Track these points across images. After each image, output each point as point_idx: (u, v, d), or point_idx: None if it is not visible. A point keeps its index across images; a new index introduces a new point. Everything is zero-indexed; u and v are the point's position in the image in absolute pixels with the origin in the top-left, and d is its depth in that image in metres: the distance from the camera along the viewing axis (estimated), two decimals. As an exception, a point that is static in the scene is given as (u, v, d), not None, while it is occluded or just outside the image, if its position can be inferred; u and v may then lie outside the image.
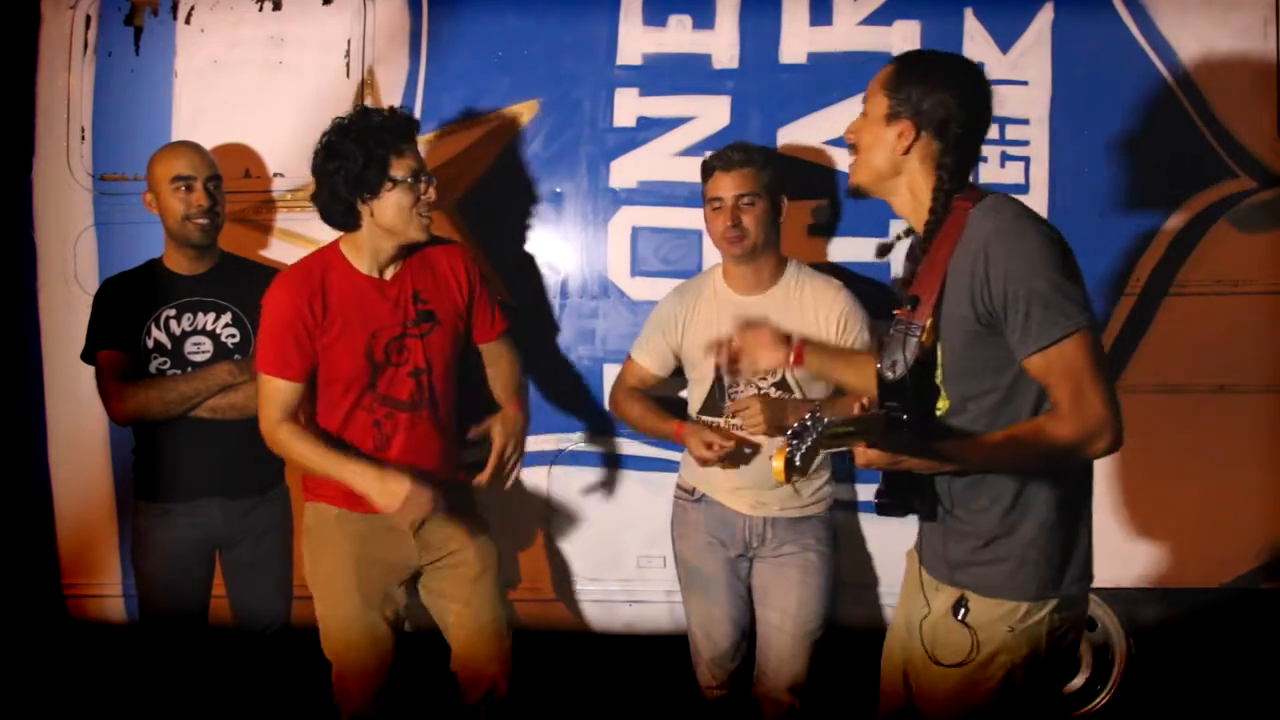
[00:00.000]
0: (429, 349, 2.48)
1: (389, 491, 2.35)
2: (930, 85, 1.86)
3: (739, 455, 2.59)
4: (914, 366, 1.86)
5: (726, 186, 2.56)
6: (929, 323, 1.86)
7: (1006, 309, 1.77)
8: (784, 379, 2.58)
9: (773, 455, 1.61)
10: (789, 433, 1.62)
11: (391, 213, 2.38)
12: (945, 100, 1.85)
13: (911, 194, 1.91)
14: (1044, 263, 1.77)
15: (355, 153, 2.33)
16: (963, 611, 1.91)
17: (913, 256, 1.96)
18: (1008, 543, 1.89)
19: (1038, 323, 1.75)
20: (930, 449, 1.77)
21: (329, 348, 2.41)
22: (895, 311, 1.92)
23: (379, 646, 2.56)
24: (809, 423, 1.65)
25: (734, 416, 2.55)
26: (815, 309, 2.61)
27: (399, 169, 2.36)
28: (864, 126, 1.93)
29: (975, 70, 1.93)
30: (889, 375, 1.87)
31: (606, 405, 2.96)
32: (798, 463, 1.61)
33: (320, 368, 2.43)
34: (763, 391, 2.59)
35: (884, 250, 2.09)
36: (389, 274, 2.47)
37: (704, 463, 2.57)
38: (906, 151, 1.88)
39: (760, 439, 2.56)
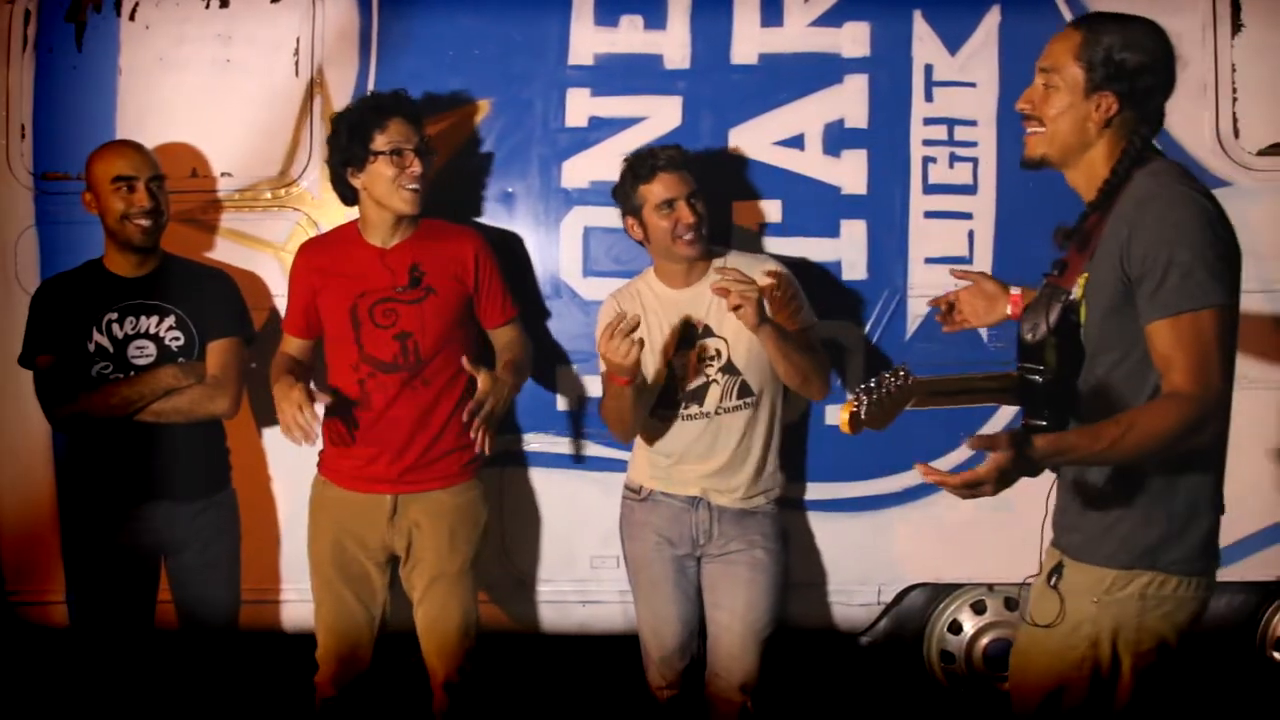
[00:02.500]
0: (421, 316, 2.58)
1: (280, 397, 2.53)
2: (1132, 53, 1.77)
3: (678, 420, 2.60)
4: (1057, 329, 1.82)
5: (675, 186, 2.56)
6: (1079, 285, 1.82)
7: (1145, 273, 1.71)
8: (729, 363, 2.59)
9: (842, 407, 1.60)
10: (863, 385, 1.62)
11: (375, 184, 2.56)
12: (1148, 66, 1.78)
13: (1092, 166, 1.85)
14: (1194, 232, 1.70)
15: (342, 130, 2.58)
16: (1055, 577, 1.88)
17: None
18: (1107, 506, 1.83)
19: (1171, 290, 1.68)
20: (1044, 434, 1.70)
21: (322, 305, 2.63)
22: (1044, 275, 1.89)
23: (348, 625, 2.65)
24: (888, 378, 1.64)
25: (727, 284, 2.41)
26: None
27: (380, 143, 2.53)
28: (1050, 99, 1.84)
29: (1162, 31, 1.84)
30: (1028, 337, 1.84)
31: (561, 406, 2.99)
32: (863, 415, 1.61)
33: (324, 326, 2.66)
34: (710, 379, 2.60)
35: (1065, 236, 1.95)
36: (390, 244, 2.62)
37: (610, 351, 2.39)
38: (1106, 124, 1.81)
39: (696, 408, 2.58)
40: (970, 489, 1.64)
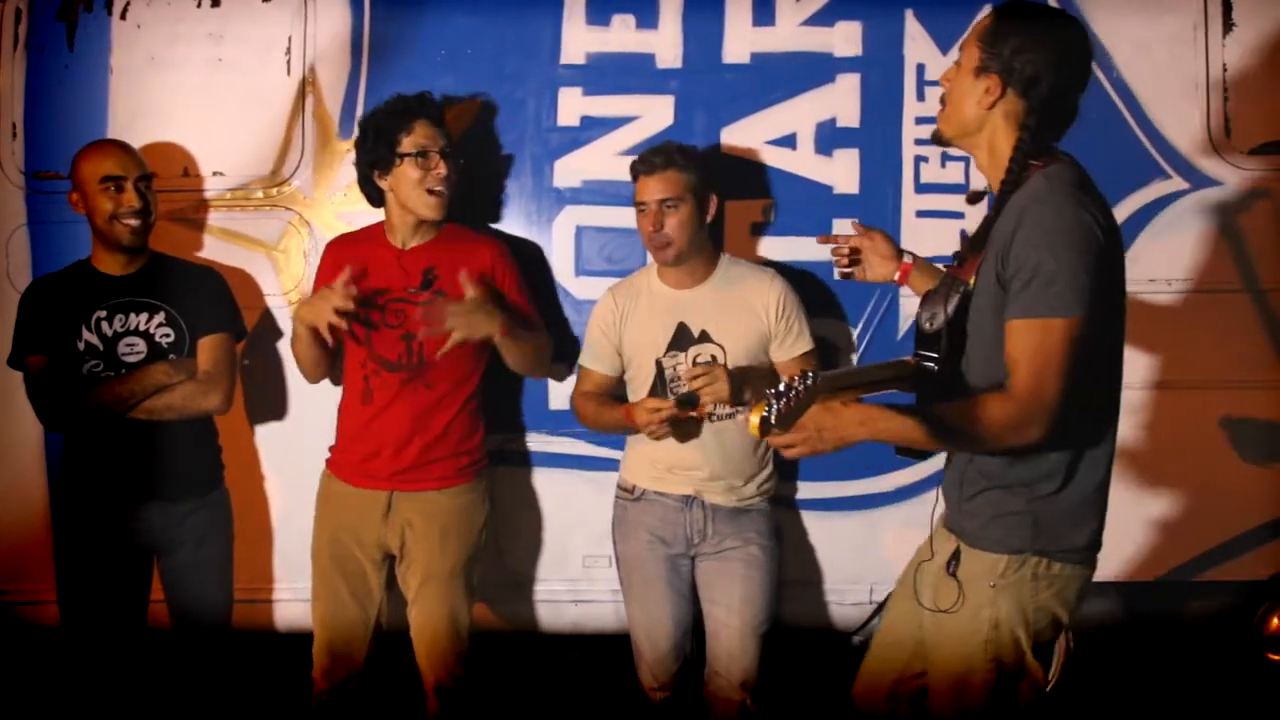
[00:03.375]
0: (429, 318, 2.54)
1: (309, 302, 2.54)
2: (1023, 41, 1.83)
3: (687, 428, 2.60)
4: (953, 319, 1.88)
5: (648, 191, 2.57)
6: (972, 279, 1.87)
7: (1015, 273, 1.76)
8: (713, 358, 2.60)
9: (750, 411, 1.65)
10: (772, 390, 1.66)
11: (400, 186, 2.58)
12: (1036, 59, 1.83)
13: (991, 150, 1.91)
14: (1066, 240, 1.74)
15: (369, 132, 2.60)
16: (954, 564, 1.96)
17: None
18: (998, 494, 1.91)
19: (1031, 294, 1.74)
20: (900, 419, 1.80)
21: None
22: (944, 267, 1.94)
23: (342, 620, 2.65)
24: (795, 382, 1.68)
25: (694, 380, 2.49)
26: (752, 298, 2.63)
27: (407, 145, 2.55)
28: (955, 76, 1.92)
29: (1074, 28, 1.89)
30: (926, 326, 1.90)
31: (554, 405, 2.98)
32: (773, 420, 1.66)
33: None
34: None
35: (974, 198, 2.07)
36: (410, 246, 2.64)
37: (653, 431, 2.54)
38: (991, 106, 1.87)
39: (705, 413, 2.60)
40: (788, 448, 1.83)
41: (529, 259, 2.89)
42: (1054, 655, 3.14)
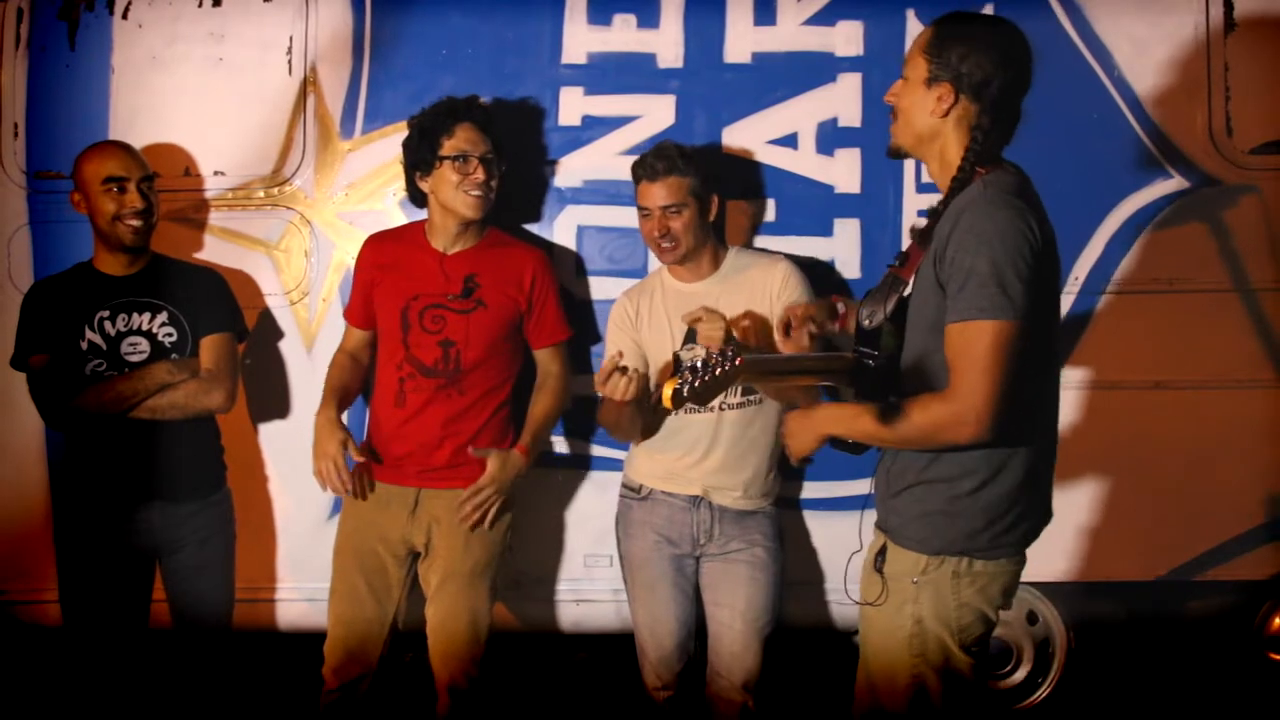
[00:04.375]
0: (467, 327, 2.62)
1: (320, 440, 2.63)
2: (968, 47, 1.88)
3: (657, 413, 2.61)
4: (892, 316, 1.92)
5: (652, 197, 2.58)
6: (912, 278, 1.92)
7: (950, 276, 1.81)
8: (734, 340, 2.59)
9: (665, 384, 1.66)
10: (689, 364, 1.69)
11: (441, 188, 2.61)
12: (983, 62, 1.88)
13: (942, 157, 1.96)
14: (1000, 244, 1.78)
15: (415, 133, 2.63)
16: (880, 560, 2.01)
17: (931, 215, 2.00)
18: (921, 489, 1.95)
19: (966, 297, 1.79)
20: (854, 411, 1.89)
21: (377, 300, 2.68)
22: (888, 265, 1.98)
23: (358, 616, 2.66)
24: (714, 359, 1.70)
25: (695, 321, 2.51)
26: (759, 281, 2.64)
27: (448, 148, 2.59)
28: (904, 90, 1.97)
29: (1014, 31, 1.94)
30: (866, 323, 1.94)
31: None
32: (685, 394, 1.70)
33: (376, 321, 2.71)
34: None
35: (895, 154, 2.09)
36: (452, 251, 2.67)
37: (612, 391, 2.42)
38: (945, 114, 1.92)
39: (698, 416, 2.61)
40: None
41: (565, 266, 2.91)
42: (1054, 654, 3.14)
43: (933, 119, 1.93)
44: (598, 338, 2.91)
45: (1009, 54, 1.90)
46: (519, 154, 2.91)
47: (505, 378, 2.71)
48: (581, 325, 2.87)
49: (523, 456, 2.67)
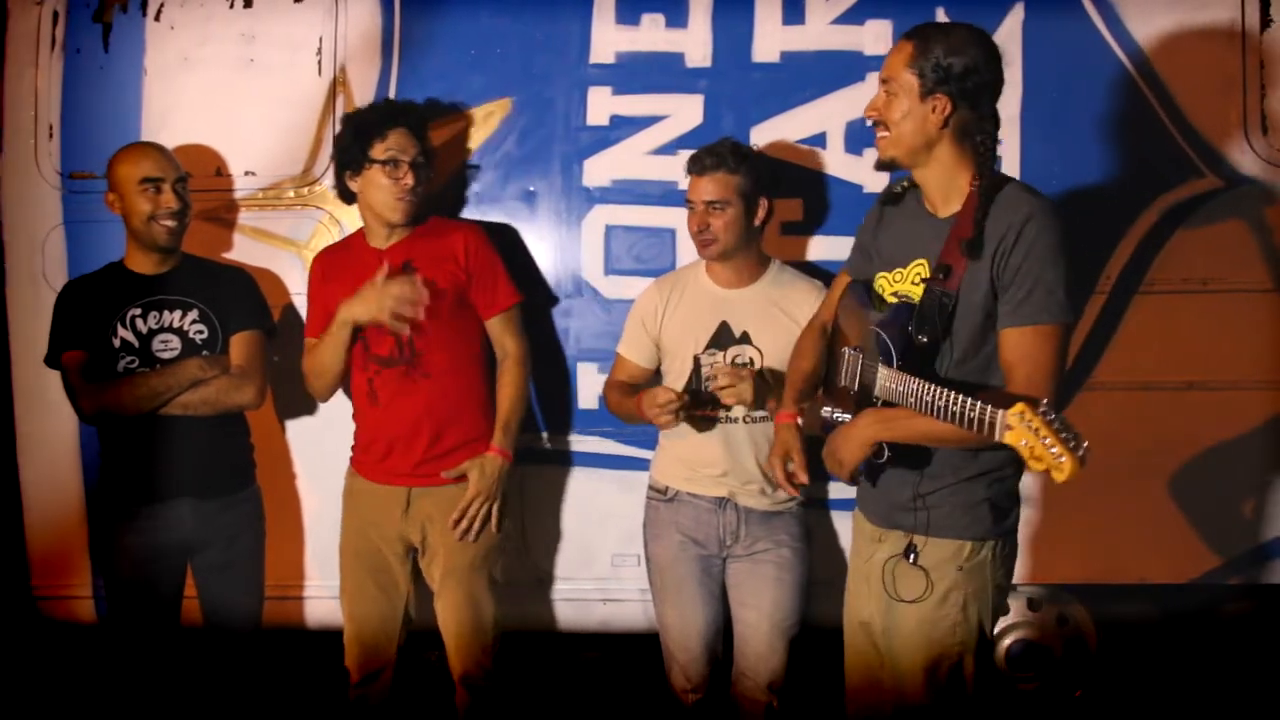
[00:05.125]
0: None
1: (361, 298, 2.57)
2: (959, 57, 1.92)
3: (701, 423, 2.61)
4: (945, 333, 1.96)
5: (697, 191, 2.58)
6: (958, 290, 1.95)
7: (1014, 281, 1.88)
8: (761, 374, 2.59)
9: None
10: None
11: (369, 190, 2.62)
12: (974, 70, 1.92)
13: (942, 165, 1.99)
14: (1063, 254, 1.88)
15: (348, 132, 2.63)
16: (913, 555, 2.05)
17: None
18: (965, 485, 2.02)
19: (1034, 302, 1.87)
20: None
21: (333, 310, 2.62)
22: (924, 281, 1.99)
23: (370, 612, 2.69)
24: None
25: (720, 389, 2.54)
26: (794, 306, 2.62)
27: (379, 150, 2.58)
28: (890, 104, 1.98)
29: (986, 36, 1.99)
30: (922, 340, 1.96)
31: (582, 405, 2.98)
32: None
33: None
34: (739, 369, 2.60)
35: (892, 198, 2.16)
36: (387, 245, 2.67)
37: (662, 421, 2.54)
38: (944, 125, 1.95)
39: (723, 412, 2.62)
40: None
41: (511, 245, 2.92)
42: (1083, 656, 3.12)
43: (930, 130, 1.96)
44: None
45: (992, 58, 1.95)
46: (547, 154, 2.93)
47: (469, 355, 2.71)
48: (613, 328, 2.87)
49: (499, 457, 2.68)
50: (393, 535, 2.70)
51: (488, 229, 2.81)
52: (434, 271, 2.64)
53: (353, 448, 2.77)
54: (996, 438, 1.69)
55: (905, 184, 2.14)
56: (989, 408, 1.72)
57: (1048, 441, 1.64)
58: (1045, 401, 1.67)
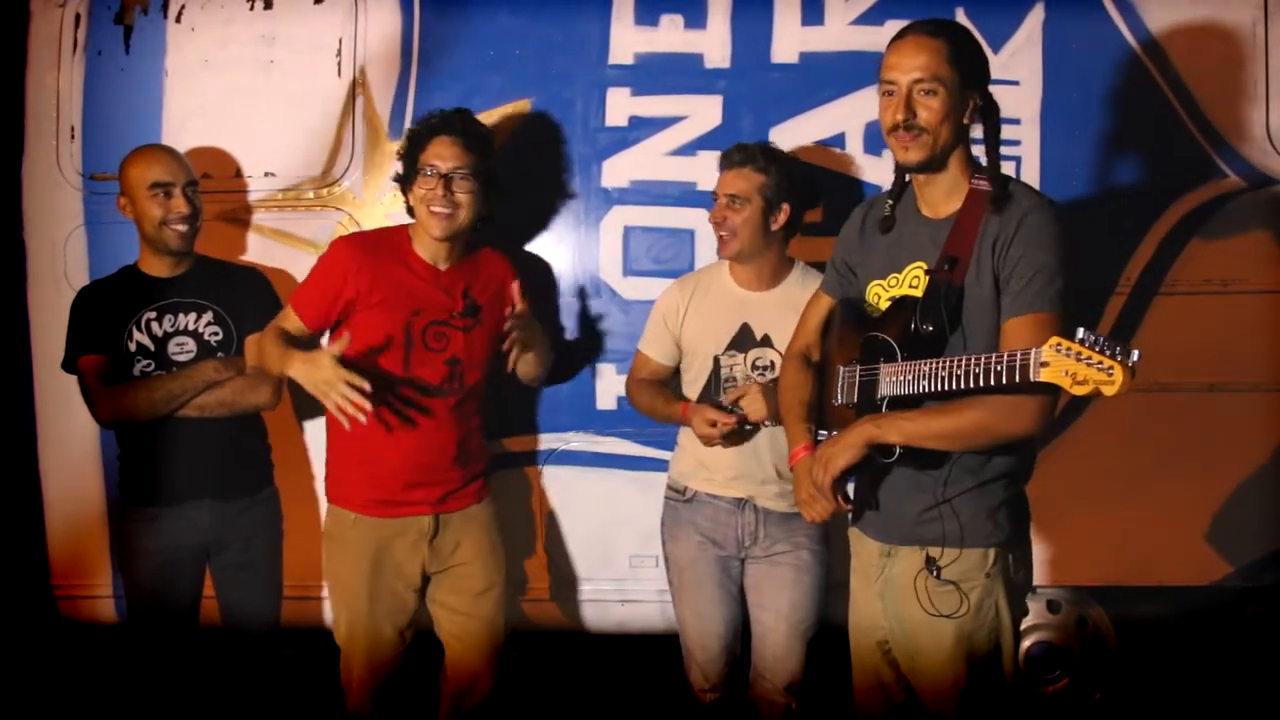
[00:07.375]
0: (470, 343, 2.56)
1: (309, 363, 2.37)
2: (976, 51, 1.97)
3: (739, 435, 2.60)
4: (952, 324, 1.95)
5: (722, 184, 2.60)
6: (963, 282, 1.95)
7: (1015, 271, 1.89)
8: (771, 364, 2.60)
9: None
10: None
11: (415, 203, 2.53)
12: (986, 65, 1.98)
13: (959, 161, 2.01)
14: (1062, 247, 1.90)
15: (405, 144, 2.56)
16: (936, 570, 2.01)
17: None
18: (982, 491, 2.01)
19: (1035, 291, 1.87)
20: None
21: (368, 316, 2.49)
22: (928, 272, 1.99)
23: (381, 651, 2.62)
24: None
25: (733, 403, 2.56)
26: None
27: (421, 160, 2.49)
28: (929, 104, 1.93)
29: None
30: (928, 329, 1.95)
31: (601, 405, 2.99)
32: None
33: (354, 338, 2.43)
34: (759, 381, 2.60)
35: (885, 222, 2.13)
36: (443, 265, 2.57)
37: (707, 440, 2.58)
38: (969, 120, 1.98)
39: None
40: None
41: (537, 271, 2.92)
42: (1101, 658, 3.11)
43: (960, 125, 1.97)
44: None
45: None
46: (565, 155, 2.93)
47: (484, 389, 2.68)
48: (632, 329, 2.87)
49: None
50: (413, 570, 2.60)
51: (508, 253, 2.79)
52: (490, 306, 2.58)
53: (341, 484, 2.62)
54: (1031, 377, 1.67)
55: (890, 202, 2.12)
56: (1018, 352, 1.70)
57: (1090, 360, 1.60)
58: (1082, 330, 1.64)
